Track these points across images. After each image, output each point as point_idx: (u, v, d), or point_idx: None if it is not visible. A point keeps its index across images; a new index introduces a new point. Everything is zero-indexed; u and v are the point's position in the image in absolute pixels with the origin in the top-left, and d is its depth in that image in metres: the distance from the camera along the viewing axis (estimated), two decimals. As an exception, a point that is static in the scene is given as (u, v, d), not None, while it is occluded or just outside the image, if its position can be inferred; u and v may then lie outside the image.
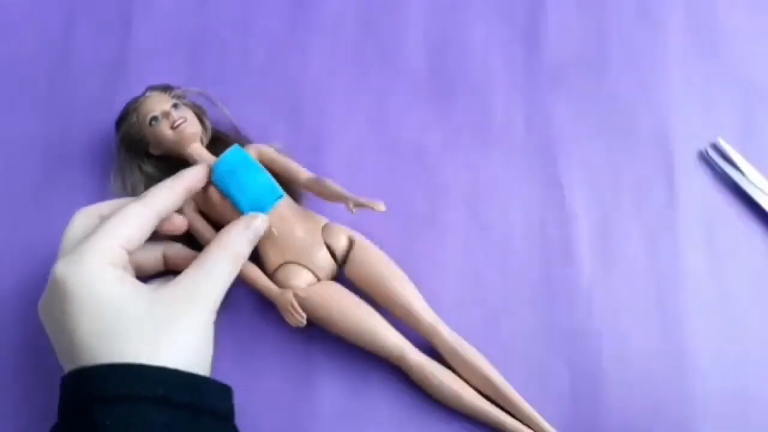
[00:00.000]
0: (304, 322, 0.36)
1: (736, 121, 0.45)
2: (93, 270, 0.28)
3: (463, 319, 0.40)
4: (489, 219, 0.42)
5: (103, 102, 0.45)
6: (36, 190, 0.43)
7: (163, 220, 0.34)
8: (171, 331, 0.27)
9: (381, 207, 0.36)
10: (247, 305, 0.40)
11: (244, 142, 0.42)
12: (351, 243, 0.39)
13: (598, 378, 0.38)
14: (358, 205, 0.36)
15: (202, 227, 0.39)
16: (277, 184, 0.39)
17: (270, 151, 0.40)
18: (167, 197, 0.33)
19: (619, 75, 0.46)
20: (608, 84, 0.46)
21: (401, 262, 0.39)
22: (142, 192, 0.40)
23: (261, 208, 0.37)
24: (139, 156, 0.41)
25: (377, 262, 0.38)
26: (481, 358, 0.36)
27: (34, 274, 0.41)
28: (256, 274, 0.38)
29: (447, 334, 0.37)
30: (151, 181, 0.40)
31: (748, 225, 0.42)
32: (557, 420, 0.37)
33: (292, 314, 0.36)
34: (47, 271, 0.39)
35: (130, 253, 0.31)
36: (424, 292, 0.39)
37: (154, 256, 0.35)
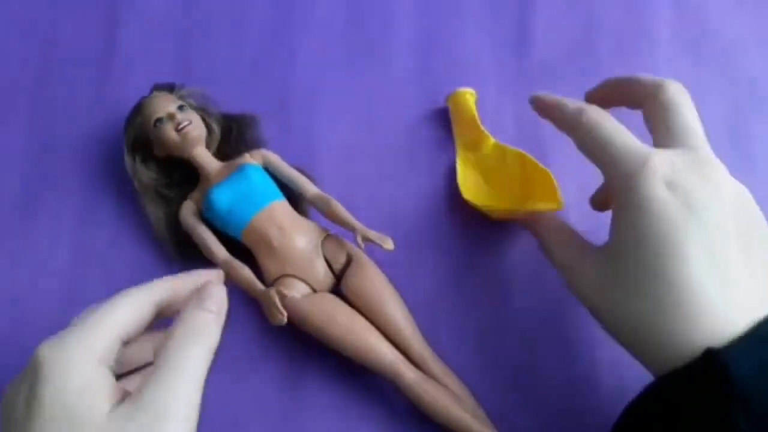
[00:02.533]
0: (285, 320, 0.35)
1: (726, 116, 0.45)
2: (76, 367, 0.24)
3: (456, 321, 0.40)
4: (480, 218, 0.42)
5: (90, 103, 0.45)
6: (21, 199, 0.42)
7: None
8: None
9: (389, 245, 0.36)
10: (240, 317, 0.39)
11: (250, 147, 0.42)
12: (350, 259, 0.38)
13: (593, 373, 0.38)
14: (366, 239, 0.37)
15: (207, 236, 0.39)
16: (275, 189, 0.40)
17: (276, 159, 0.41)
18: (170, 290, 0.28)
19: (608, 72, 0.46)
20: (598, 81, 0.46)
21: (392, 264, 0.39)
22: (149, 195, 0.41)
23: (251, 208, 0.38)
24: (144, 157, 0.41)
25: (373, 284, 0.37)
26: (464, 390, 0.36)
27: (20, 290, 0.40)
28: (244, 272, 0.38)
29: (436, 366, 0.36)
30: (155, 184, 0.41)
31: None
32: (554, 416, 0.37)
33: (273, 312, 0.35)
34: (30, 289, 0.39)
35: (124, 343, 0.26)
36: (415, 293, 0.39)
37: (144, 349, 0.31)
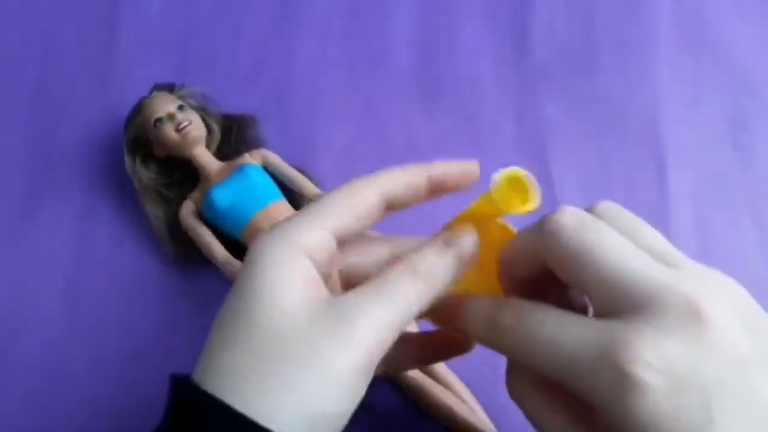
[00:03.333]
0: None
1: (726, 117, 0.45)
2: (280, 259, 0.21)
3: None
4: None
5: (90, 103, 0.45)
6: (22, 199, 0.42)
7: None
8: (302, 375, 0.19)
9: None
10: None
11: (250, 147, 0.42)
12: None
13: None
14: None
15: (207, 236, 0.39)
16: (275, 189, 0.40)
17: (276, 159, 0.41)
18: (402, 184, 0.24)
19: (608, 72, 0.46)
20: (598, 81, 0.46)
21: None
22: (149, 195, 0.41)
23: (252, 207, 0.38)
24: (144, 157, 0.41)
25: None
26: (464, 390, 0.36)
27: (19, 291, 0.40)
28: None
29: (437, 365, 0.36)
30: (155, 183, 0.41)
31: (739, 220, 0.42)
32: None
33: None
34: (30, 289, 0.39)
35: (340, 241, 0.23)
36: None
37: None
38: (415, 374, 0.36)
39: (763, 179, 0.44)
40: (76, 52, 0.46)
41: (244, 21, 0.47)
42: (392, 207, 0.24)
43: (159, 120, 0.40)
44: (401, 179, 0.24)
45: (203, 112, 0.42)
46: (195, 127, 0.40)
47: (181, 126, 0.39)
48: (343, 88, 0.46)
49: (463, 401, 0.36)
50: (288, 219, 0.22)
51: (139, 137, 0.41)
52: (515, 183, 0.22)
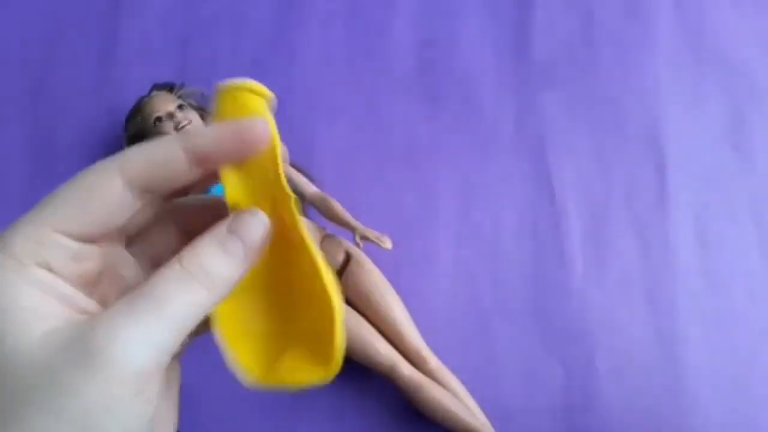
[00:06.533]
0: None
1: (726, 116, 0.45)
2: (2, 281, 0.16)
3: (457, 319, 0.40)
4: (480, 218, 0.42)
5: (90, 103, 0.45)
6: (21, 199, 0.43)
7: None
8: (49, 422, 0.15)
9: (388, 245, 0.37)
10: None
11: None
12: (348, 258, 0.39)
13: (592, 374, 0.38)
14: (365, 238, 0.37)
15: None
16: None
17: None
18: (153, 161, 0.17)
19: (608, 72, 0.46)
20: (598, 82, 0.46)
21: (392, 263, 0.39)
22: None
23: None
24: None
25: (371, 282, 0.38)
26: (462, 390, 0.36)
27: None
28: None
29: (434, 364, 0.37)
30: None
31: (739, 220, 0.42)
32: (553, 416, 0.37)
33: None
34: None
35: (80, 238, 0.17)
36: (415, 293, 0.39)
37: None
38: (413, 374, 0.36)
39: (763, 179, 0.44)
40: (76, 52, 0.46)
41: (244, 21, 0.47)
42: (153, 190, 0.17)
43: (159, 119, 0.40)
44: (150, 157, 0.17)
45: (203, 112, 0.42)
46: (194, 126, 0.40)
47: (181, 125, 0.40)
48: (344, 88, 0.46)
49: (461, 401, 0.36)
50: (10, 226, 0.17)
51: (139, 136, 0.41)
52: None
